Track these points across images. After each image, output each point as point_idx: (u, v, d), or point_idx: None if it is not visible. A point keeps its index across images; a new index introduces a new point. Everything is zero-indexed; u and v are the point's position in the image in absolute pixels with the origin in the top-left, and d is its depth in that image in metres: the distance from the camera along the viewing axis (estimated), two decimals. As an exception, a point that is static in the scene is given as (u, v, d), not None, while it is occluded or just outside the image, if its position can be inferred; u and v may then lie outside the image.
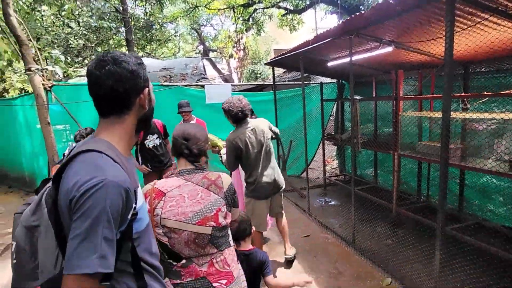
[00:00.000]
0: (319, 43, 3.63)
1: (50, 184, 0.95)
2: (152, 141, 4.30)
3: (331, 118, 7.22)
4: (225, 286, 1.48)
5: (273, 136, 3.22)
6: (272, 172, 3.09)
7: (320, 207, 5.13)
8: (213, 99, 5.82)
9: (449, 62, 2.14)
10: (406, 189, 4.77)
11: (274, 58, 5.08)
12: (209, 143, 3.13)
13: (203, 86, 6.11)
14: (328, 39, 3.49)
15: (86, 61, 13.97)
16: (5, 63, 7.06)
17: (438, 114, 3.43)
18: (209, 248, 1.46)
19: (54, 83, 4.96)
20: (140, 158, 4.36)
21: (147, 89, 1.07)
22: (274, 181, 3.10)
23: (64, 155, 3.41)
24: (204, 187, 1.48)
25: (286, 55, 4.46)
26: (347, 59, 4.17)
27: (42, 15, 9.06)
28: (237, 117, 2.89)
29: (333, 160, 7.55)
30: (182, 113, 4.56)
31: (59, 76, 4.79)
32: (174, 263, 1.45)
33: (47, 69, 4.49)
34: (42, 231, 0.90)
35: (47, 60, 4.72)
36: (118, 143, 1.03)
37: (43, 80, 4.67)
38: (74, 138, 3.64)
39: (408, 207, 4.08)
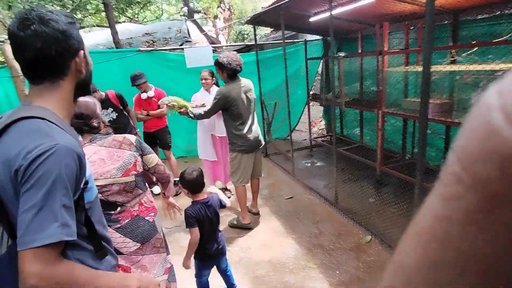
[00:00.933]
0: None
1: None
2: (107, 115, 3.89)
3: (317, 77, 7.02)
4: (154, 217, 1.89)
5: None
6: (256, 129, 3.32)
7: (305, 169, 5.10)
8: (194, 63, 5.57)
9: (430, 10, 1.96)
10: (392, 147, 4.72)
11: (254, 14, 4.79)
12: (176, 105, 3.19)
13: (183, 50, 5.82)
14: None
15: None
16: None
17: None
18: (136, 191, 1.80)
19: None
20: None
21: (82, 51, 0.97)
22: (258, 136, 3.33)
23: None
24: (116, 148, 1.75)
25: (266, 10, 4.18)
26: (329, 13, 3.94)
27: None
28: (235, 71, 3.03)
29: (320, 121, 7.44)
30: (138, 86, 4.20)
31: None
32: (112, 212, 1.75)
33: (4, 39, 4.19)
34: None
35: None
36: (58, 111, 0.94)
37: None
38: None
39: (393, 165, 4.04)
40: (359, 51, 4.77)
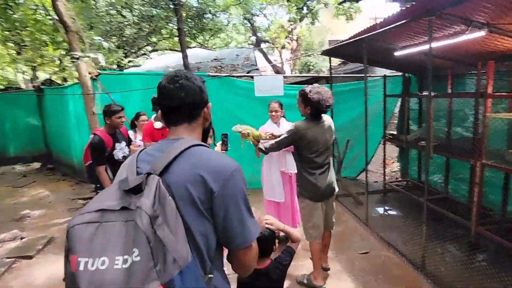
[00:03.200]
0: (389, 27, 3.05)
1: (154, 176, 0.94)
2: (120, 150, 3.44)
3: (393, 115, 6.48)
4: None
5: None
6: (331, 175, 2.87)
7: (379, 217, 4.53)
8: (263, 92, 5.44)
9: None
10: (486, 203, 4.01)
11: (333, 45, 4.55)
12: (251, 133, 2.95)
13: (252, 77, 5.76)
14: (401, 22, 2.90)
15: (141, 51, 14.40)
16: (63, 52, 7.30)
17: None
18: None
19: (100, 72, 4.88)
20: (109, 174, 3.34)
21: (209, 103, 1.21)
22: (332, 182, 2.87)
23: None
24: None
25: (347, 42, 3.91)
26: (420, 48, 3.55)
27: (95, 4, 9.15)
28: (321, 111, 2.67)
29: (393, 163, 6.81)
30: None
31: (100, 63, 4.68)
32: None
33: (89, 56, 4.36)
34: (169, 222, 0.87)
35: (90, 47, 4.60)
36: None
37: (90, 68, 4.58)
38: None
39: (491, 227, 3.38)
40: (449, 91, 4.23)
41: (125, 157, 3.41)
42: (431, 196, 4.39)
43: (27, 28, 7.24)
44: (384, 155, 5.19)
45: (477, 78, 3.31)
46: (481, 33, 2.70)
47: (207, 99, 1.18)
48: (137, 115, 4.32)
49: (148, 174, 0.93)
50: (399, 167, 6.14)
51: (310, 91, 2.57)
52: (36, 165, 8.59)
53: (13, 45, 9.49)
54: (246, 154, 3.64)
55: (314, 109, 2.61)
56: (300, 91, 2.68)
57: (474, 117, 3.69)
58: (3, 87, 10.41)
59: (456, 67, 4.22)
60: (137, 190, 0.88)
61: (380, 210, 4.77)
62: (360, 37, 3.56)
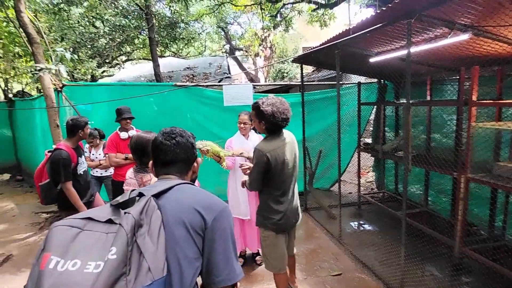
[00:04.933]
0: (363, 31, 2.75)
1: (146, 196, 0.97)
2: (82, 164, 3.15)
3: (369, 123, 6.28)
4: None
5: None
6: (297, 200, 2.55)
7: (353, 233, 4.21)
8: (232, 101, 5.09)
9: None
10: (470, 218, 3.78)
11: (305, 52, 4.24)
12: (211, 150, 2.74)
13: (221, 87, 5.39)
14: (377, 26, 2.61)
15: (114, 62, 13.89)
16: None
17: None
18: None
19: (65, 83, 4.61)
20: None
21: (199, 159, 1.35)
22: (297, 208, 2.56)
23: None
24: None
25: (320, 48, 3.61)
26: (397, 53, 3.29)
27: (68, 15, 8.87)
28: (278, 126, 2.28)
29: (367, 172, 6.58)
30: (124, 120, 3.66)
31: (62, 75, 4.37)
32: None
33: (51, 68, 4.01)
34: (152, 232, 0.89)
35: (55, 59, 4.32)
36: None
37: (53, 80, 4.38)
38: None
39: (477, 246, 3.12)
40: (428, 98, 4.01)
41: (85, 172, 3.20)
42: (409, 210, 4.13)
43: (0, 40, 7.18)
44: (359, 165, 4.93)
45: (459, 85, 3.06)
46: (465, 36, 2.45)
47: (196, 154, 1.29)
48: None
49: (141, 194, 0.98)
50: (374, 177, 5.90)
51: (262, 103, 2.24)
52: (6, 176, 8.47)
53: None
54: (213, 163, 3.26)
55: (269, 123, 2.24)
56: (253, 104, 2.33)
57: (456, 126, 3.46)
58: None
59: (436, 73, 4.01)
60: (128, 204, 0.92)
61: (355, 224, 4.47)
62: (332, 42, 3.26)
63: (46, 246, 0.81)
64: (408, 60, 2.51)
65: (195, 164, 1.29)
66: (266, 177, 2.30)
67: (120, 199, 0.93)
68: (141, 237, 0.85)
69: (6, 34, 6.87)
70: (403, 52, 3.21)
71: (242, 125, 3.21)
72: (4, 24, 6.59)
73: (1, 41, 7.24)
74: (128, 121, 3.67)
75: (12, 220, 5.26)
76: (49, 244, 0.81)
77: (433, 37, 2.79)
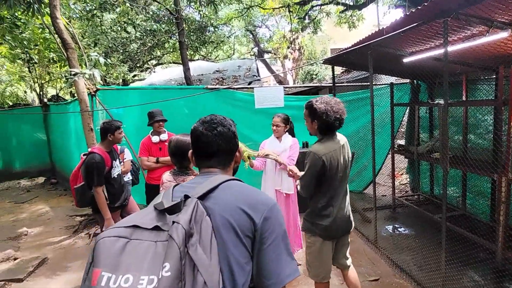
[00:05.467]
0: (398, 31, 2.75)
1: (193, 198, 0.92)
2: (116, 168, 3.23)
3: (402, 124, 6.15)
4: None
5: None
6: (348, 205, 2.41)
7: (389, 237, 4.15)
8: (263, 103, 5.18)
9: None
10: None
11: (336, 53, 4.26)
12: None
13: (252, 89, 5.50)
14: (412, 25, 2.60)
15: (145, 66, 14.46)
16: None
17: None
18: None
19: (99, 87, 4.78)
20: (105, 193, 3.07)
21: (241, 148, 1.24)
22: (349, 215, 2.41)
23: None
24: None
25: (352, 49, 3.62)
26: (432, 53, 3.24)
27: (100, 21, 9.30)
28: (332, 126, 2.20)
29: (401, 174, 6.43)
30: (157, 123, 3.70)
31: (96, 79, 4.56)
32: None
33: (85, 73, 4.21)
34: (203, 242, 0.85)
35: (87, 63, 4.53)
36: None
37: (87, 84, 4.54)
38: None
39: (520, 251, 3.00)
40: (463, 98, 3.91)
41: (119, 175, 3.24)
42: (447, 213, 4.01)
43: (36, 46, 7.49)
44: (393, 167, 4.85)
45: (498, 84, 2.98)
46: (504, 34, 2.39)
47: (238, 144, 1.20)
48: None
49: (187, 196, 0.92)
50: (408, 180, 5.77)
51: (316, 101, 2.20)
52: (41, 179, 8.66)
53: (22, 63, 9.76)
54: (245, 175, 3.36)
55: (322, 122, 2.16)
56: (306, 103, 2.28)
57: (494, 127, 3.35)
58: (12, 104, 10.89)
59: (472, 72, 3.90)
60: (174, 209, 0.87)
61: (390, 228, 4.40)
62: (366, 43, 3.26)
63: (95, 260, 0.78)
64: (445, 59, 2.48)
65: (237, 153, 1.20)
66: (320, 181, 2.21)
67: (165, 202, 0.89)
68: (193, 247, 0.81)
69: (41, 40, 7.19)
70: (438, 51, 3.16)
71: (274, 127, 3.27)
72: (40, 30, 6.89)
73: (37, 47, 7.60)
74: (161, 123, 3.71)
75: (47, 223, 5.37)
76: (98, 259, 0.78)
77: (470, 35, 2.73)
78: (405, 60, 3.63)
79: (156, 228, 0.82)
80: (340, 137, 2.32)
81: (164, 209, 0.86)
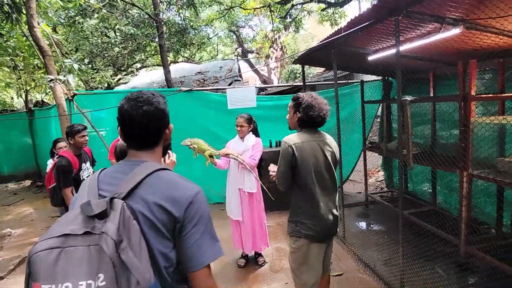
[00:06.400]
0: (353, 29, 2.73)
1: (119, 200, 0.94)
2: (86, 170, 3.32)
3: (377, 120, 6.18)
4: None
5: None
6: (335, 207, 2.21)
7: (359, 233, 4.15)
8: (236, 104, 5.16)
9: None
10: (479, 216, 3.65)
11: (303, 53, 4.23)
12: (196, 147, 2.96)
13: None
14: (365, 24, 2.59)
15: (130, 69, 14.32)
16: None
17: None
18: None
19: (76, 92, 4.82)
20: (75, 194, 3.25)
21: (171, 125, 1.19)
22: (336, 218, 2.19)
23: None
24: None
25: (315, 49, 3.60)
26: (393, 50, 3.23)
27: (81, 27, 9.24)
28: (312, 120, 2.10)
29: (378, 171, 6.46)
30: None
31: (70, 85, 4.58)
32: None
33: (60, 79, 4.22)
34: (133, 245, 0.88)
35: (61, 70, 4.58)
36: None
37: (64, 90, 4.61)
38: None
39: (483, 245, 3.01)
40: (431, 94, 3.92)
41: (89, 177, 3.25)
42: (418, 208, 4.03)
43: (21, 53, 7.63)
44: (365, 164, 4.86)
45: (459, 79, 2.98)
46: (456, 31, 2.38)
47: (168, 120, 1.17)
48: (54, 143, 4.18)
49: (112, 198, 0.93)
50: (384, 176, 5.80)
51: (304, 94, 2.15)
52: (27, 182, 8.88)
53: (8, 70, 9.88)
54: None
55: (303, 114, 2.08)
56: (294, 96, 2.21)
57: (459, 122, 3.37)
58: None
59: (438, 68, 3.92)
60: (102, 215, 0.87)
61: (361, 224, 4.41)
62: (326, 42, 3.24)
63: (33, 275, 0.79)
64: (398, 56, 2.49)
65: (167, 131, 1.16)
66: (293, 172, 2.08)
67: (92, 203, 0.89)
68: (124, 251, 0.84)
69: (26, 47, 7.28)
70: (401, 48, 3.15)
71: (238, 128, 3.29)
72: (24, 38, 6.95)
73: (22, 54, 7.67)
74: None
75: (31, 224, 5.51)
76: (36, 273, 0.79)
77: (426, 33, 2.73)
78: (370, 58, 3.62)
79: (87, 233, 0.83)
80: (323, 134, 2.21)
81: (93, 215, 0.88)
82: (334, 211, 2.17)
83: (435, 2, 2.14)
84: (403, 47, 3.06)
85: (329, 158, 2.13)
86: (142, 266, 0.87)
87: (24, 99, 10.60)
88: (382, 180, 6.03)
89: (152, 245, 0.96)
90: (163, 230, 0.97)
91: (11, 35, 6.60)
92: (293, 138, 2.08)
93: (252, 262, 3.55)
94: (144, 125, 1.07)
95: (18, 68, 9.01)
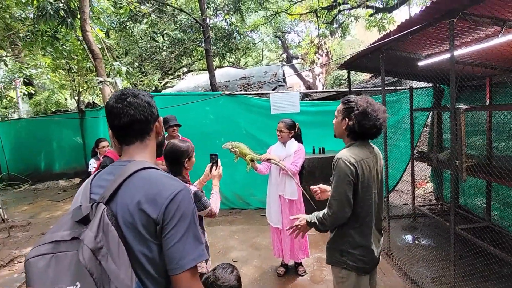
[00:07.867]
0: (403, 32, 2.66)
1: (101, 204, 0.95)
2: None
3: (425, 129, 5.88)
4: None
5: None
6: (382, 233, 1.95)
7: (406, 247, 3.96)
8: (279, 109, 5.18)
9: None
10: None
11: (349, 58, 4.17)
12: (238, 151, 2.99)
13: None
14: (416, 27, 2.50)
15: (177, 73, 15.00)
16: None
17: None
18: None
19: None
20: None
21: (160, 118, 1.20)
22: (380, 242, 1.94)
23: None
24: None
25: (363, 54, 3.53)
26: (447, 55, 3.08)
27: (131, 32, 9.83)
28: (366, 131, 1.77)
29: (426, 182, 6.13)
30: (171, 128, 3.82)
31: (118, 87, 4.85)
32: None
33: (108, 81, 4.50)
34: (112, 252, 0.89)
35: (111, 73, 4.87)
36: (152, 164, 1.12)
37: (113, 91, 4.82)
38: None
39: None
40: (487, 102, 3.67)
41: None
42: (470, 224, 3.77)
43: (75, 57, 8.08)
44: (413, 175, 4.64)
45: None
46: (518, 34, 2.23)
47: (157, 113, 1.17)
48: (97, 142, 4.32)
49: (97, 203, 0.95)
50: (432, 188, 5.49)
51: (357, 97, 1.81)
52: (77, 180, 9.39)
53: (63, 72, 10.57)
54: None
55: (356, 122, 1.74)
56: (344, 98, 1.87)
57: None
58: (54, 110, 11.78)
59: (496, 75, 3.66)
60: (86, 220, 0.90)
61: (407, 238, 4.20)
62: (374, 46, 3.17)
63: (27, 281, 0.83)
64: (452, 62, 2.37)
65: (156, 124, 1.16)
66: (353, 195, 1.76)
67: (83, 207, 0.93)
68: (104, 258, 0.86)
69: (80, 51, 7.80)
70: (455, 53, 3.00)
71: (278, 133, 3.29)
72: (79, 42, 7.44)
73: (76, 57, 8.22)
74: (175, 128, 3.86)
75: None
76: (30, 279, 0.82)
77: (484, 36, 2.58)
78: (420, 63, 3.48)
79: (75, 238, 0.86)
80: (374, 148, 1.90)
81: (78, 220, 0.90)
82: (382, 238, 1.94)
83: (495, 3, 2.03)
84: (458, 52, 2.92)
85: (380, 174, 1.86)
86: (122, 272, 0.88)
87: (77, 100, 11.24)
88: (430, 192, 5.71)
89: (134, 248, 0.96)
90: (144, 233, 0.96)
91: (67, 39, 7.00)
92: (352, 154, 1.73)
93: (292, 271, 3.50)
94: (129, 115, 1.06)
95: (72, 71, 9.57)
